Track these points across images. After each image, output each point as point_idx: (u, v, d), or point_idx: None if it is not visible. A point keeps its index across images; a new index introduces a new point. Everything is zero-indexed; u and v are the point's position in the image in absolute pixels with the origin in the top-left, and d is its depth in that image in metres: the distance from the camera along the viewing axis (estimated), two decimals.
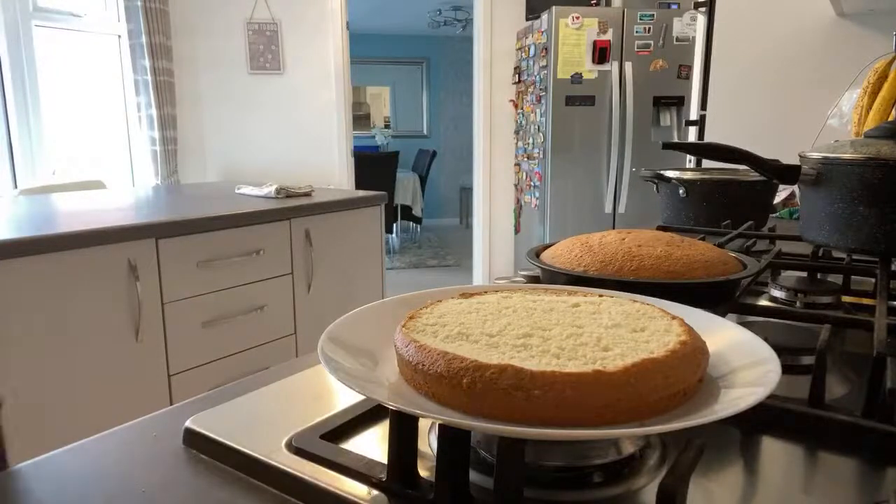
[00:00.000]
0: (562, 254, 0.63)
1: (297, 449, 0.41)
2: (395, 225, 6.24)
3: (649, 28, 3.34)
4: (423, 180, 6.58)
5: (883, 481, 0.38)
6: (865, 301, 0.73)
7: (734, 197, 1.10)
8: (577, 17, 3.30)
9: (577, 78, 3.35)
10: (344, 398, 0.49)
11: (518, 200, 4.13)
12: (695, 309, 0.47)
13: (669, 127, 3.44)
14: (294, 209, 2.08)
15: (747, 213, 1.08)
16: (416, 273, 5.39)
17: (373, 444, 0.43)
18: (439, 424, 0.33)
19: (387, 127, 7.55)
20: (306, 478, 0.38)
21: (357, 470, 0.38)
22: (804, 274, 0.76)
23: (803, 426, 0.43)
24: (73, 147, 3.19)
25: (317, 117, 3.86)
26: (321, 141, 3.90)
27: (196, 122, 3.66)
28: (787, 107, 2.07)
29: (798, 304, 0.71)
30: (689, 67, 3.39)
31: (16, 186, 2.89)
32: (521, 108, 3.93)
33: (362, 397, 0.44)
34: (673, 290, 0.54)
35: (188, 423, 0.45)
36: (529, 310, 0.45)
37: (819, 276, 0.76)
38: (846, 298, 0.74)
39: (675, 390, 0.35)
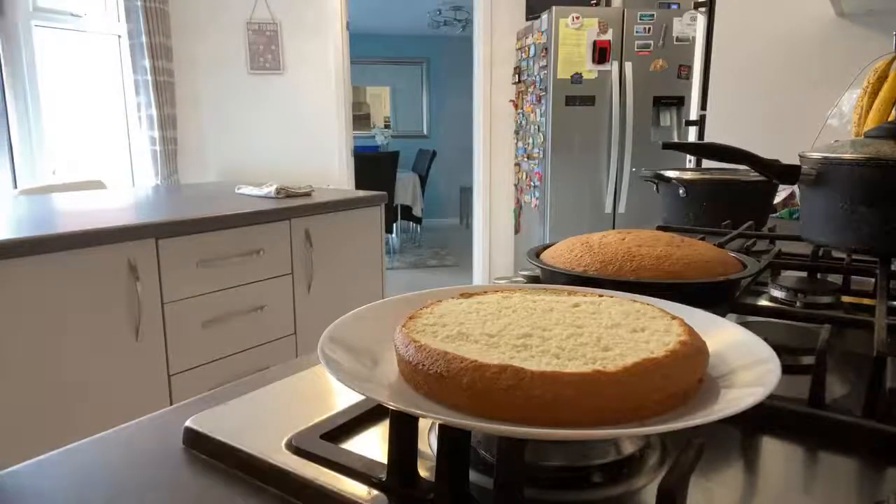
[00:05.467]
0: (562, 254, 0.63)
1: (297, 449, 0.41)
2: (395, 225, 6.24)
3: (649, 28, 3.34)
4: (423, 180, 6.58)
5: (883, 481, 0.38)
6: (865, 301, 0.73)
7: (734, 197, 1.10)
8: (577, 17, 3.30)
9: (577, 78, 3.35)
10: (344, 398, 0.49)
11: (518, 200, 4.13)
12: (695, 309, 0.47)
13: (669, 127, 3.44)
14: (294, 209, 2.08)
15: (747, 213, 1.07)
16: (416, 273, 5.38)
17: (373, 444, 0.43)
18: (439, 424, 0.33)
19: (387, 127, 7.54)
20: (306, 478, 0.38)
21: (357, 470, 0.38)
22: (804, 274, 0.76)
23: (803, 426, 0.43)
24: (73, 147, 3.19)
25: (317, 117, 3.86)
26: (321, 141, 3.90)
27: (196, 122, 3.65)
28: (787, 107, 2.07)
29: (798, 304, 0.71)
30: (689, 67, 3.39)
31: (16, 186, 2.89)
32: (521, 108, 3.93)
33: (362, 397, 0.44)
34: (673, 290, 0.54)
35: (188, 423, 0.45)
36: (529, 310, 0.45)
37: (819, 276, 0.76)
38: (846, 298, 0.74)
39: (675, 390, 0.35)
